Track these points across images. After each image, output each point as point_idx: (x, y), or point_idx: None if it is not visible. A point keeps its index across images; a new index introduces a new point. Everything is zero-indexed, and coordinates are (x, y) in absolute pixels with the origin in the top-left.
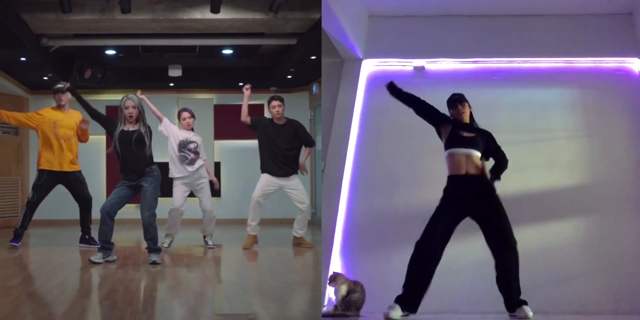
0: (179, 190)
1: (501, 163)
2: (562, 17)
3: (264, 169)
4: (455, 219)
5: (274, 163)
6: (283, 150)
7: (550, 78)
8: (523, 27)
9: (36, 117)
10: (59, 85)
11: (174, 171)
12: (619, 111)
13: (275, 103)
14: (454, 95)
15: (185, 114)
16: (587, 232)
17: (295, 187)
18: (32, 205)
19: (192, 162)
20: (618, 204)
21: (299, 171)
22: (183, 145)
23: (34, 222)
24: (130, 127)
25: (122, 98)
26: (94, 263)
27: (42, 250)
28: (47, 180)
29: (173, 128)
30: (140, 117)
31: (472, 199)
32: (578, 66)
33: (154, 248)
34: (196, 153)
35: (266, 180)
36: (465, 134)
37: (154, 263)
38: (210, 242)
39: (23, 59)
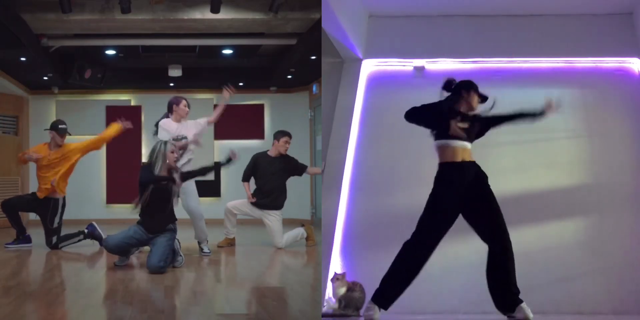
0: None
1: (514, 113)
2: (562, 17)
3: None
4: (454, 208)
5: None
6: (270, 182)
7: (550, 78)
8: (523, 27)
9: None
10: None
11: None
12: (619, 111)
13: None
14: (462, 81)
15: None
16: (587, 232)
17: (268, 226)
18: (4, 205)
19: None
20: (618, 204)
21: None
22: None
23: (33, 222)
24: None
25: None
26: (118, 266)
27: (42, 250)
28: (32, 198)
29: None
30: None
31: (467, 185)
32: (578, 66)
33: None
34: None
35: (249, 205)
36: (460, 125)
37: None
38: (205, 249)
39: (23, 59)
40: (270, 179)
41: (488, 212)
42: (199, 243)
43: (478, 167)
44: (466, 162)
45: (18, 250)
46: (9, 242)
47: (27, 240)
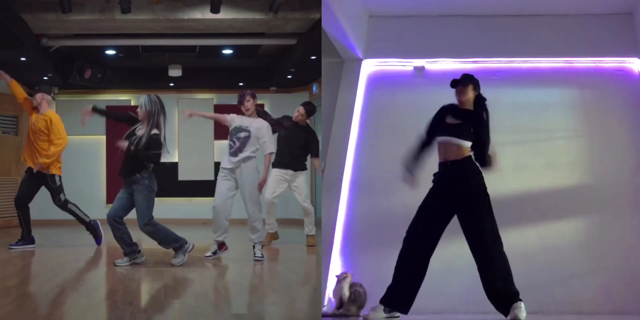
0: (220, 186)
1: (482, 146)
2: (562, 17)
3: (276, 163)
4: (442, 207)
5: (287, 157)
6: (297, 149)
7: (550, 78)
8: (523, 27)
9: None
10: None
11: (222, 160)
12: (619, 111)
13: (301, 110)
14: (462, 76)
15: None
16: (587, 232)
17: (299, 185)
18: (17, 202)
19: (235, 153)
20: (618, 204)
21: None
22: (234, 132)
23: (33, 222)
24: (138, 130)
25: None
26: (117, 266)
27: (42, 250)
28: (27, 176)
29: (233, 116)
30: (148, 120)
31: (452, 186)
32: (578, 66)
33: (171, 248)
34: (243, 144)
35: (275, 176)
36: (449, 121)
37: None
38: (258, 254)
39: (23, 59)
40: (291, 144)
41: (468, 214)
42: (253, 246)
43: (465, 166)
44: (450, 162)
45: (21, 250)
46: (13, 243)
47: (31, 241)
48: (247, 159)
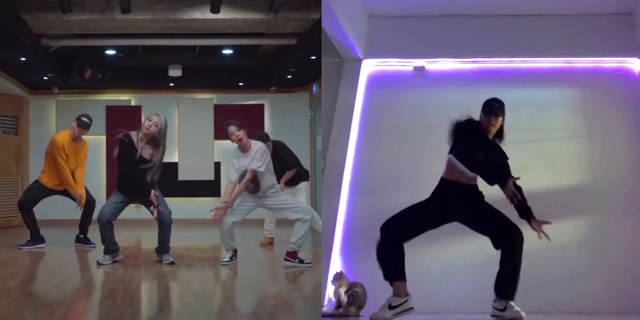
0: (238, 208)
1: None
2: (562, 17)
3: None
4: (437, 219)
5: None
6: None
7: (550, 78)
8: (523, 27)
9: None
10: (85, 120)
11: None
12: (619, 111)
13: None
14: (493, 101)
15: (230, 129)
16: (587, 232)
17: (295, 195)
18: (21, 206)
19: (254, 191)
20: (618, 204)
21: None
22: (243, 176)
23: (43, 222)
24: (144, 152)
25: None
26: (102, 265)
27: (42, 250)
28: (42, 187)
29: (236, 159)
30: (157, 141)
31: (459, 205)
32: (578, 66)
33: (169, 248)
34: (256, 182)
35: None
36: (478, 158)
37: (172, 263)
38: (305, 260)
39: (23, 59)
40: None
41: (489, 216)
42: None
43: (476, 188)
44: (463, 184)
45: (21, 250)
46: (23, 243)
47: (41, 240)
48: (269, 189)
